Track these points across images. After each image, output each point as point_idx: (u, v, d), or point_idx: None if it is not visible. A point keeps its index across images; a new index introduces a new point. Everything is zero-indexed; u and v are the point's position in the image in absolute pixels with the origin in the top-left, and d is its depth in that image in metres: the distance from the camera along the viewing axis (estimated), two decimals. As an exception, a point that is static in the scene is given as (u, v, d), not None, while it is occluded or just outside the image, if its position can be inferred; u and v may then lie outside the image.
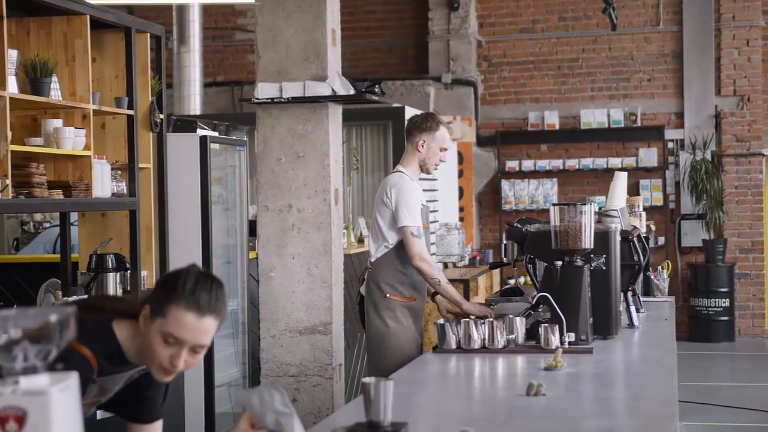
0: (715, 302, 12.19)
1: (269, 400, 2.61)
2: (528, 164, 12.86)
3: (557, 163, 12.79)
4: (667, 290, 6.45)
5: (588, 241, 4.40)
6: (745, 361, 11.45)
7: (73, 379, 1.83)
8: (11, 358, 1.78)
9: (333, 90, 5.76)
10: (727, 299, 12.21)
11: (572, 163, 12.75)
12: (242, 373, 7.00)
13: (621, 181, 5.55)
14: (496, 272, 11.33)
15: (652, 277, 6.42)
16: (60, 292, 5.54)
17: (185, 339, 2.55)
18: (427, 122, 5.29)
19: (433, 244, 9.69)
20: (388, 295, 5.18)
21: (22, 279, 6.50)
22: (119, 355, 2.66)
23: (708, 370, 10.80)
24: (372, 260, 5.28)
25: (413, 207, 5.13)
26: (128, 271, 5.65)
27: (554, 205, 4.47)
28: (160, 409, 2.90)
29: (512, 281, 12.08)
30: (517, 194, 12.92)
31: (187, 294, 2.55)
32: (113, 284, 5.50)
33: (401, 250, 5.14)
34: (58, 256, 5.91)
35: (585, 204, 4.42)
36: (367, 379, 2.74)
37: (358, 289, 5.44)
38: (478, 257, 11.13)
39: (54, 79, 5.02)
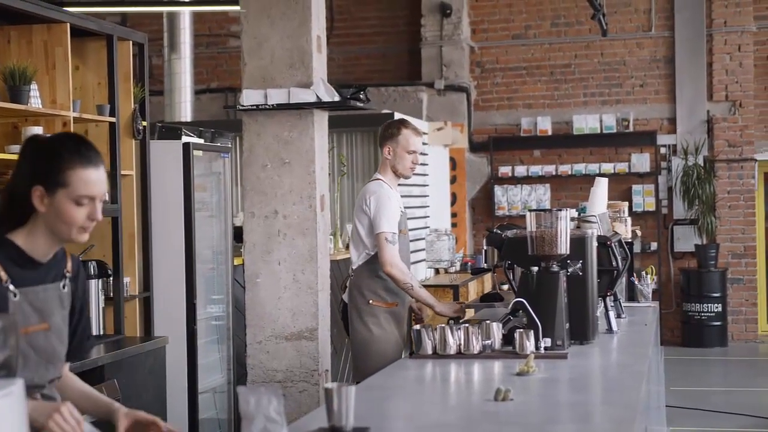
0: (708, 307, 12.19)
1: (266, 404, 2.63)
2: (521, 170, 12.88)
3: (550, 169, 12.80)
4: (650, 296, 6.44)
5: (564, 247, 4.40)
6: (737, 366, 11.45)
7: (17, 385, 1.84)
8: (-47, 364, 1.80)
9: (318, 97, 5.78)
10: (720, 304, 12.21)
11: (565, 169, 12.76)
12: (227, 378, 7.01)
13: (601, 187, 5.56)
14: (488, 278, 11.33)
15: (636, 282, 6.42)
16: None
17: (95, 194, 2.68)
18: (388, 129, 5.48)
19: (422, 250, 9.71)
20: (371, 301, 5.27)
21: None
22: (24, 256, 2.70)
23: (700, 375, 10.81)
24: (354, 267, 5.36)
25: (391, 215, 5.24)
26: (110, 278, 5.66)
27: (530, 210, 4.49)
28: (86, 340, 2.92)
29: (505, 287, 12.10)
30: (510, 200, 12.93)
31: (78, 156, 2.65)
32: (95, 291, 5.51)
33: None
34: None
35: (561, 210, 4.43)
36: (329, 385, 2.76)
37: (340, 296, 5.49)
38: (469, 263, 11.14)
39: (34, 86, 5.04)
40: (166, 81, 10.69)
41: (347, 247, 8.39)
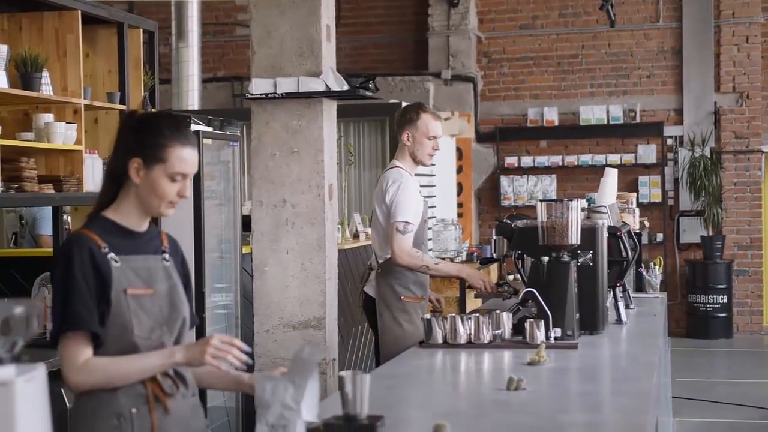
0: (713, 299, 12.19)
1: (282, 392, 2.64)
2: (527, 160, 12.87)
3: (556, 160, 12.80)
4: (659, 286, 6.45)
5: (575, 237, 4.40)
6: (742, 357, 11.46)
7: (39, 370, 1.85)
8: (-24, 349, 1.81)
9: (327, 86, 5.78)
10: (725, 296, 12.22)
11: (571, 160, 12.75)
12: (235, 367, 7.01)
13: (611, 177, 5.56)
14: (494, 267, 11.34)
15: (644, 273, 6.43)
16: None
17: (189, 172, 2.84)
18: (406, 114, 5.29)
19: (429, 239, 9.71)
20: (402, 297, 5.15)
21: (18, 273, 6.52)
22: (119, 227, 2.85)
23: (705, 366, 10.82)
24: (380, 261, 5.21)
25: (408, 204, 5.10)
26: (121, 265, 5.67)
27: (541, 200, 4.48)
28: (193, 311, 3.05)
29: (511, 277, 12.10)
30: (516, 190, 12.93)
31: (177, 134, 2.82)
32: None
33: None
34: (52, 250, 5.93)
35: (572, 200, 4.43)
36: (343, 373, 2.76)
37: (361, 288, 5.38)
38: (476, 253, 11.14)
39: (45, 74, 5.05)
40: (174, 69, 10.68)
41: (355, 236, 8.40)
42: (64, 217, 6.14)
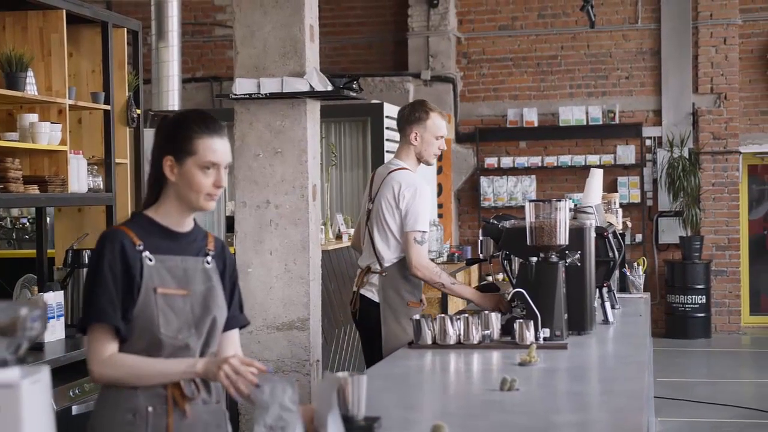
0: (692, 299, 12.26)
1: (281, 393, 2.64)
2: (507, 161, 12.90)
3: (536, 160, 12.83)
4: (642, 287, 6.48)
5: (563, 238, 4.41)
6: (721, 357, 11.52)
7: (44, 373, 1.83)
8: (-19, 351, 1.79)
9: (311, 86, 5.77)
10: (704, 296, 12.29)
11: (551, 160, 12.79)
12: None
13: (597, 177, 5.57)
14: (474, 269, 11.35)
15: (628, 273, 6.45)
16: (36, 288, 5.52)
17: (220, 161, 2.88)
18: (415, 113, 5.11)
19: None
20: (409, 303, 5.03)
21: (-1, 274, 6.48)
22: (159, 226, 2.89)
23: (684, 366, 10.87)
24: (387, 264, 5.04)
25: (423, 212, 4.96)
26: (105, 267, 5.62)
27: (530, 201, 4.48)
28: (239, 313, 3.07)
29: (489, 277, 12.13)
30: (495, 191, 12.96)
31: (203, 126, 2.87)
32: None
33: None
34: (34, 251, 5.89)
35: (560, 200, 4.44)
36: (340, 374, 2.76)
37: (356, 290, 5.20)
38: (456, 254, 11.15)
39: (30, 73, 5.00)
40: (154, 69, 10.61)
41: (338, 237, 8.38)
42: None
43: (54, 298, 4.86)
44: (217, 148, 2.87)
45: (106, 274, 2.77)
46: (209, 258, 2.96)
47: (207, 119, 2.92)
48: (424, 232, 4.96)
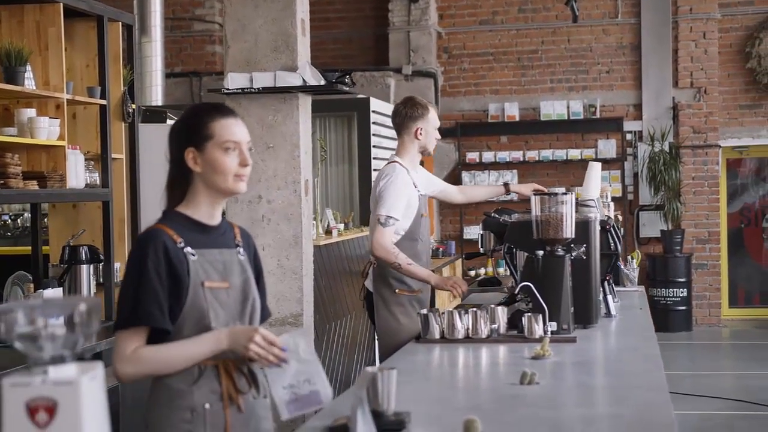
0: (673, 292, 12.33)
1: (294, 348, 2.64)
2: (488, 156, 12.91)
3: (517, 155, 12.85)
4: (636, 280, 6.50)
5: (569, 231, 4.41)
6: (702, 350, 11.59)
7: (99, 368, 1.81)
8: (39, 347, 1.76)
9: (304, 80, 5.74)
10: (685, 289, 12.36)
11: (532, 155, 12.81)
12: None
13: (595, 171, 5.58)
14: (458, 263, 11.37)
15: (623, 267, 6.47)
16: (31, 285, 5.46)
17: (239, 139, 2.86)
18: (416, 110, 5.29)
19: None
20: (397, 290, 5.16)
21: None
22: (192, 221, 2.87)
23: (666, 359, 10.75)
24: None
25: (396, 198, 5.08)
26: (102, 263, 5.58)
27: (535, 194, 4.48)
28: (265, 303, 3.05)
29: (482, 271, 12.15)
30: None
31: (215, 111, 2.89)
32: (87, 276, 5.43)
33: (405, 242, 5.11)
34: (29, 248, 5.82)
35: (566, 194, 4.44)
36: (370, 369, 2.74)
37: (362, 283, 5.38)
38: (441, 249, 11.17)
39: (28, 68, 4.94)
40: (137, 64, 10.55)
41: (327, 232, 8.35)
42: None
43: (53, 295, 4.81)
44: (232, 126, 2.87)
45: (151, 276, 2.75)
46: (241, 249, 2.95)
47: (217, 105, 2.94)
48: (390, 216, 5.07)
